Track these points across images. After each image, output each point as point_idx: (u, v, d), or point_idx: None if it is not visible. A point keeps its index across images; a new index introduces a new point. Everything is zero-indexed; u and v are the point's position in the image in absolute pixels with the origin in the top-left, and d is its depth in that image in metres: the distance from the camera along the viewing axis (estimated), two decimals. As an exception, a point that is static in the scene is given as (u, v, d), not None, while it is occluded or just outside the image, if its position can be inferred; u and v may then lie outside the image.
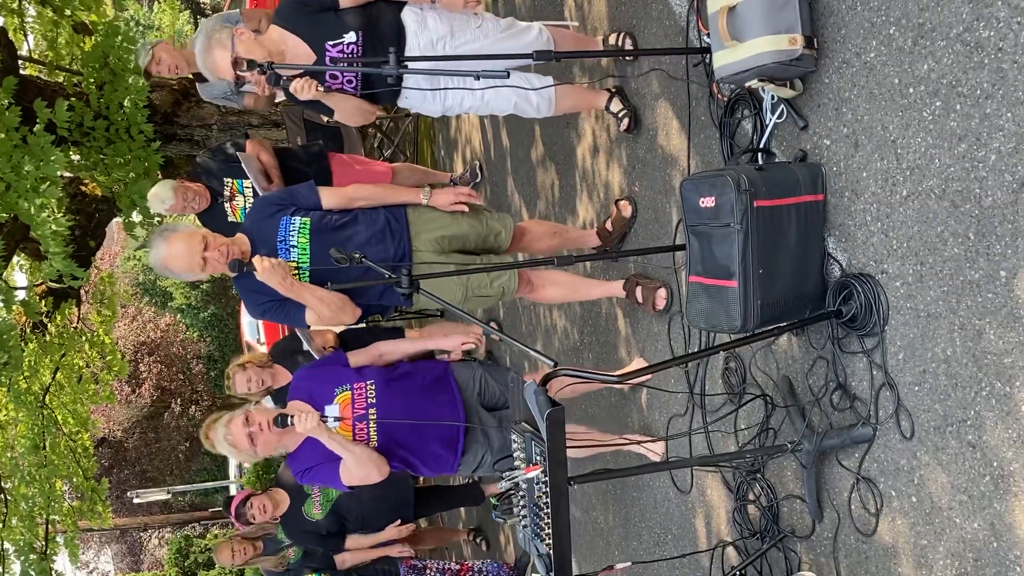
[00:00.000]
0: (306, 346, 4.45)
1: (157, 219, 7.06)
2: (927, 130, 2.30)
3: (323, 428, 3.28)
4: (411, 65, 3.00)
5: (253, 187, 4.53)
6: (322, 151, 5.12)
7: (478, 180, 6.09)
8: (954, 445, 2.30)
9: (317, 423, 3.24)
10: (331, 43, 3.28)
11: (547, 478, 2.43)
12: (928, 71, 2.28)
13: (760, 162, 2.88)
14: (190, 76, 5.81)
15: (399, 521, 5.27)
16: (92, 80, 6.32)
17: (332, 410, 3.46)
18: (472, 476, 5.52)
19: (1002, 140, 2.09)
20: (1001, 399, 2.15)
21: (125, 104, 6.33)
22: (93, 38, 6.74)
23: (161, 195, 4.53)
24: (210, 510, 20.74)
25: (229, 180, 4.64)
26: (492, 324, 5.92)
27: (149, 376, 20.12)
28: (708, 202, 2.61)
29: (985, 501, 2.21)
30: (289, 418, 3.25)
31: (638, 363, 4.02)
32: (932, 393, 2.37)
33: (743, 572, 3.08)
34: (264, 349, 7.75)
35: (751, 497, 3.20)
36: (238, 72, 3.26)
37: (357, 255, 2.96)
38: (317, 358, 4.18)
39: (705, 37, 3.07)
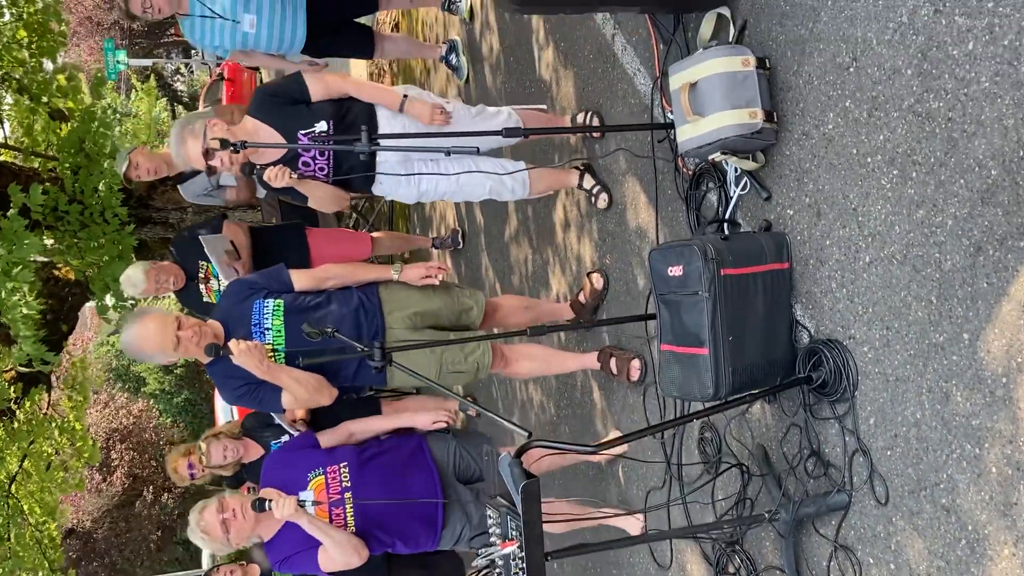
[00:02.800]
0: (276, 419, 4.39)
1: (130, 303, 7.03)
2: (886, 198, 2.37)
3: (302, 512, 3.22)
4: (383, 143, 3.06)
5: None
6: (300, 227, 5.16)
7: (460, 247, 6.13)
8: (929, 509, 2.30)
9: (295, 508, 3.19)
10: (303, 131, 3.35)
11: (523, 554, 2.40)
12: (884, 141, 2.36)
13: (726, 232, 2.93)
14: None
15: None
16: (67, 165, 6.36)
17: (307, 495, 3.41)
18: (457, 547, 5.41)
19: (957, 206, 2.15)
20: (972, 461, 2.16)
21: (100, 188, 6.36)
22: (69, 124, 6.81)
23: (133, 278, 4.53)
24: (181, 603, 20.08)
25: (203, 263, 4.65)
26: (468, 398, 5.89)
27: (121, 463, 19.70)
28: (676, 271, 2.64)
29: (963, 566, 2.20)
30: (267, 502, 3.20)
31: (614, 436, 4.00)
32: (904, 457, 2.37)
33: (725, 647, 3.02)
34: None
35: (731, 570, 3.16)
36: (209, 162, 3.32)
37: (329, 329, 2.97)
38: (287, 429, 4.13)
39: (669, 114, 3.16)
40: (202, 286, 4.66)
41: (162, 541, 20.30)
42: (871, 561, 2.51)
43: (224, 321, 3.39)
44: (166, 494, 20.00)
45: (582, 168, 3.96)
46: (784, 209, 2.77)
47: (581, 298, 4.06)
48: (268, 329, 3.34)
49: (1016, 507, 2.04)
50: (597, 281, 4.01)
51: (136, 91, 21.57)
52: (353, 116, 3.32)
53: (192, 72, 27.81)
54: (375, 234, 5.56)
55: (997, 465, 2.08)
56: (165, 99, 24.91)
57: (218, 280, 4.56)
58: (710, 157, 2.83)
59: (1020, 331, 2.00)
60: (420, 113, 3.36)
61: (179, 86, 28.46)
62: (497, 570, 2.64)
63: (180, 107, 26.61)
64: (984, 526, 2.13)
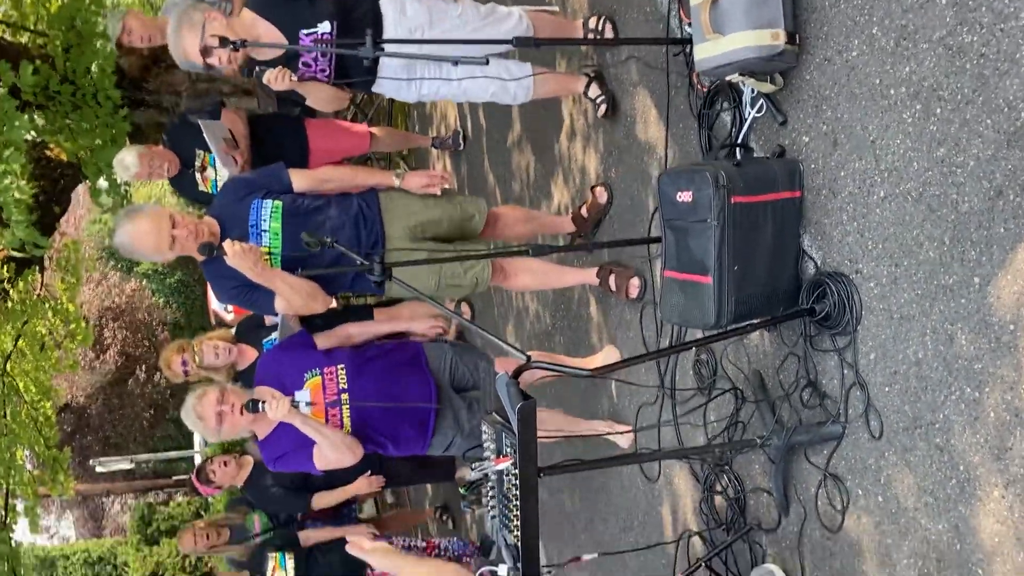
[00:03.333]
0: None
1: (124, 187, 6.93)
2: (906, 132, 2.30)
3: (296, 413, 3.24)
4: (388, 48, 2.94)
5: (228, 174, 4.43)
6: (299, 118, 5.03)
7: (460, 148, 6.02)
8: (922, 447, 2.32)
9: (289, 409, 3.20)
10: (305, 32, 3.22)
11: (517, 471, 2.42)
12: (910, 73, 2.27)
13: (738, 156, 2.86)
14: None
15: (369, 472, 5.20)
16: (58, 43, 6.14)
17: (303, 395, 3.42)
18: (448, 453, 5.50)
19: (981, 146, 2.09)
20: (970, 404, 2.16)
21: (92, 69, 6.18)
22: (60, 0, 6.56)
23: (126, 161, 4.41)
24: (174, 478, 20.64)
25: (201, 152, 4.53)
26: (464, 308, 5.89)
27: (114, 342, 19.87)
28: (685, 196, 2.59)
29: (950, 504, 2.24)
30: (260, 404, 3.21)
31: (609, 350, 4.02)
32: (902, 394, 2.38)
33: (708, 563, 3.10)
34: (231, 318, 7.63)
35: (718, 488, 3.22)
36: (207, 60, 3.19)
37: (329, 240, 2.92)
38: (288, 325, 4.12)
39: (686, 27, 3.04)
40: (198, 175, 4.55)
41: (155, 419, 20.69)
42: (860, 492, 2.55)
43: (220, 219, 3.34)
44: (158, 373, 20.22)
45: (591, 75, 3.84)
46: (799, 135, 2.69)
47: (583, 211, 4.00)
48: (265, 231, 3.30)
49: (1010, 452, 2.05)
50: (601, 195, 3.95)
51: (128, -38, 20.79)
52: (359, 15, 3.18)
53: (186, -57, 26.76)
54: (374, 129, 5.44)
55: (995, 410, 2.09)
56: (158, -28, 24.01)
57: (215, 169, 4.45)
58: (727, 77, 2.74)
59: (1033, 280, 1.97)
60: None
61: (172, -42, 27.43)
62: (490, 483, 2.68)
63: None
64: (976, 468, 2.15)
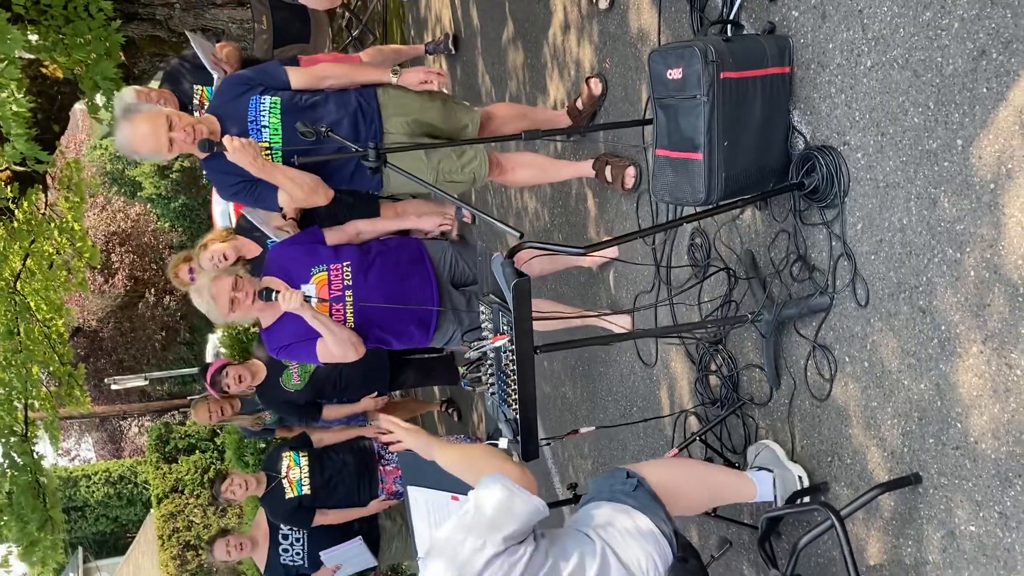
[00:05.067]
0: (259, 226, 4.42)
1: (121, 101, 6.90)
2: (894, -1, 2.30)
3: (307, 306, 3.32)
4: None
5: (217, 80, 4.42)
6: (293, 59, 4.98)
7: (453, 52, 5.98)
8: (906, 311, 2.39)
9: (302, 302, 3.28)
10: None
11: (514, 346, 2.50)
12: (897, -63, 2.26)
13: (728, 34, 2.86)
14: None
15: (375, 392, 5.39)
16: (47, -48, 6.07)
17: (309, 289, 3.50)
18: (445, 350, 5.62)
19: (966, 7, 2.09)
20: (952, 265, 2.22)
21: (83, -21, 6.11)
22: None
23: (124, 100, 4.41)
24: (188, 398, 21.00)
25: (198, 87, 4.54)
26: (465, 212, 5.92)
27: (122, 266, 20.03)
28: (675, 73, 2.60)
29: (932, 363, 2.31)
30: (274, 293, 3.29)
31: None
32: (888, 261, 2.44)
33: (703, 437, 3.21)
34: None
35: (713, 368, 3.31)
36: None
37: (324, 128, 2.95)
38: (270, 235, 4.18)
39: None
40: (196, 113, 4.57)
41: (167, 341, 20.99)
42: (847, 360, 2.63)
43: (219, 116, 3.36)
44: (168, 296, 20.46)
45: (584, -35, 3.80)
46: (789, 11, 2.69)
47: (578, 104, 4.01)
48: (265, 127, 3.32)
49: (988, 308, 2.12)
50: (595, 86, 3.94)
51: None
52: None
53: None
54: (363, 55, 5.37)
55: (976, 268, 2.14)
56: None
57: None
58: (717, -47, 2.72)
59: (1014, 136, 2.00)
60: None
61: None
62: (488, 362, 2.77)
63: None
64: (956, 326, 2.22)
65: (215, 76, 4.33)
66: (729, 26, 2.90)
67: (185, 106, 4.55)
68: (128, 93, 4.43)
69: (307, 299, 3.34)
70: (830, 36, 2.53)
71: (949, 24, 2.14)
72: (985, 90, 2.07)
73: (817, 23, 2.58)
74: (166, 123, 3.19)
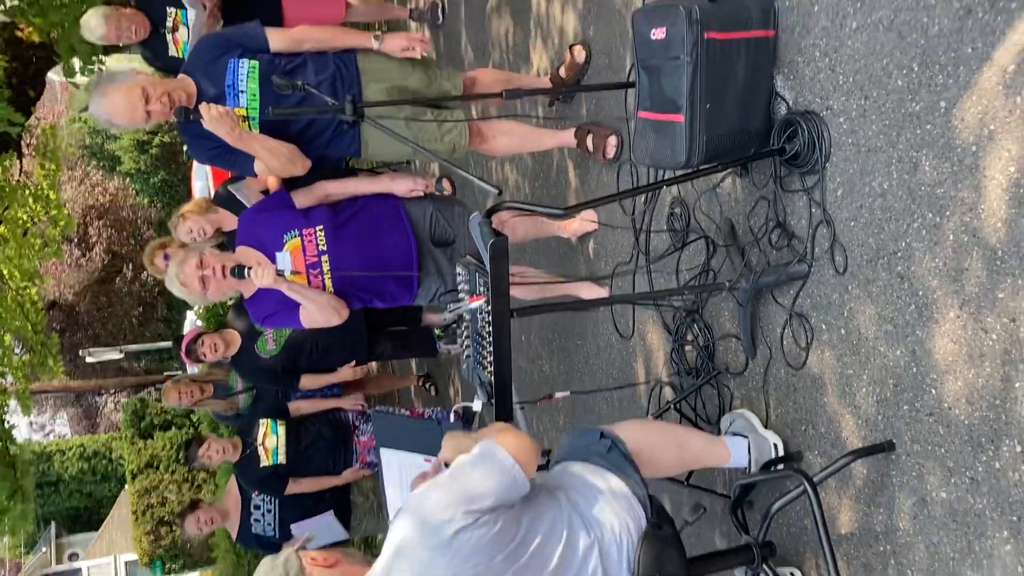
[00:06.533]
0: (238, 195, 4.37)
1: (98, 65, 6.80)
2: (880, -41, 2.27)
3: (281, 280, 3.27)
4: None
5: (196, 17, 4.32)
6: None
7: (439, 22, 5.90)
8: (884, 277, 2.37)
9: (275, 277, 3.23)
10: None
11: (489, 308, 2.47)
12: None
13: (714, -3, 2.82)
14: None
15: (354, 362, 5.34)
16: (23, -89, 5.95)
17: (284, 256, 3.44)
18: (425, 320, 5.57)
19: (953, -34, 2.07)
20: (931, 229, 2.20)
21: (59, -62, 6.00)
22: None
23: (91, 23, 4.30)
24: (165, 373, 20.87)
25: (172, 9, 4.40)
26: (445, 183, 5.86)
27: (99, 240, 19.83)
28: (659, 34, 2.57)
29: (908, 329, 2.30)
30: (246, 270, 3.24)
31: (588, 215, 4.04)
32: (867, 227, 2.42)
33: (677, 407, 3.20)
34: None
35: (689, 338, 3.29)
36: None
37: (299, 82, 2.89)
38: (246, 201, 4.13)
39: None
40: (169, 36, 4.44)
41: (144, 317, 20.82)
42: (823, 327, 2.62)
43: (195, 77, 3.29)
44: (145, 272, 20.27)
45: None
46: (775, -27, 2.66)
47: (562, 72, 3.96)
48: (243, 92, 3.26)
49: (966, 272, 2.10)
50: (579, 54, 3.90)
51: None
52: None
53: None
54: None
55: (955, 232, 2.13)
56: None
57: (187, 28, 4.35)
58: (704, -87, 2.68)
59: (997, 97, 1.98)
60: None
61: None
62: (464, 323, 2.74)
63: None
64: (934, 291, 2.21)
65: (192, 14, 4.22)
66: (714, -11, 2.86)
67: (157, 28, 4.41)
68: (96, 13, 4.30)
69: (280, 273, 3.29)
70: (815, -1, 2.50)
71: (935, -16, 2.12)
72: (970, 50, 2.04)
73: (803, -14, 2.55)
74: (142, 94, 3.13)
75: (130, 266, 20.27)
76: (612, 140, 3.70)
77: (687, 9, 2.49)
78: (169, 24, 4.36)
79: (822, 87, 2.52)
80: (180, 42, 4.38)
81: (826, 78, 2.50)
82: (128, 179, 22.70)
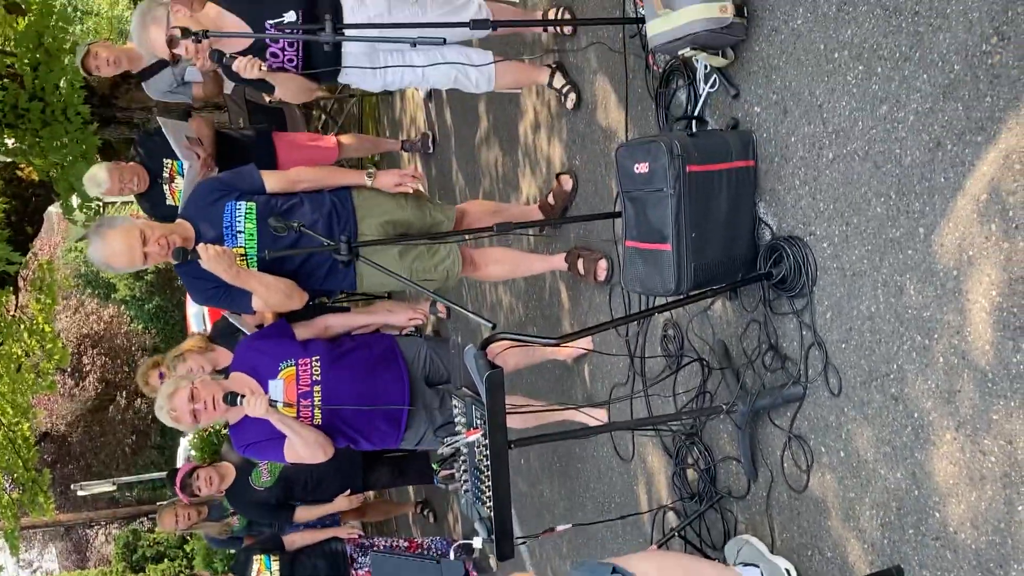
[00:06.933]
0: (237, 324, 4.42)
1: (96, 203, 6.93)
2: (851, 94, 2.37)
3: (273, 411, 3.28)
4: (348, 33, 3.00)
5: (190, 167, 4.47)
6: (268, 131, 5.07)
7: (430, 151, 6.08)
8: (879, 399, 2.38)
9: (267, 408, 3.24)
10: (270, 21, 3.27)
11: (487, 441, 2.46)
12: (851, 36, 2.35)
13: (693, 130, 2.93)
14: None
15: (348, 491, 5.28)
16: (26, 61, 6.18)
17: (276, 385, 3.46)
18: (420, 447, 5.53)
19: (920, 101, 2.16)
20: (921, 352, 2.23)
21: (61, 85, 6.21)
22: (27, 18, 6.59)
23: (96, 177, 4.45)
24: (158, 503, 20.43)
25: (168, 161, 4.57)
26: (439, 304, 5.93)
27: (93, 369, 19.72)
28: (642, 168, 2.65)
29: (907, 451, 2.30)
30: (239, 397, 3.25)
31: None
32: (858, 349, 2.44)
33: (682, 533, 3.15)
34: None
35: (690, 461, 3.27)
36: (173, 51, 3.24)
37: (296, 223, 2.96)
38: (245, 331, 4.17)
39: (640, 8, 3.12)
40: (166, 187, 4.60)
41: (137, 445, 20.52)
42: (823, 450, 2.61)
43: (194, 221, 3.38)
44: (139, 399, 20.08)
45: (553, 67, 3.92)
46: (752, 106, 2.77)
47: (550, 199, 4.07)
48: (240, 232, 3.34)
49: (959, 394, 2.12)
50: (566, 182, 4.01)
51: (97, -12, 20.78)
52: (322, 6, 3.25)
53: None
54: (343, 137, 5.48)
55: (944, 355, 2.15)
56: (127, -3, 24.01)
57: (183, 177, 4.49)
58: (680, 53, 2.81)
59: (972, 224, 2.04)
60: None
61: (142, -16, 27.42)
62: (462, 457, 2.72)
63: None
64: (929, 413, 2.21)
65: (187, 165, 4.36)
66: (694, 122, 2.97)
67: (155, 179, 4.55)
68: (100, 169, 4.44)
69: (273, 404, 3.30)
70: (792, 130, 2.60)
71: (905, 117, 2.21)
72: (943, 180, 2.12)
73: (779, 117, 2.65)
74: (140, 237, 3.20)
75: (123, 394, 20.10)
76: (602, 264, 3.77)
77: (668, 145, 2.58)
78: (166, 175, 4.52)
79: (804, 213, 2.60)
80: (176, 192, 4.52)
81: (807, 205, 2.58)
82: (123, 306, 22.76)
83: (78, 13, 19.91)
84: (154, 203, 4.62)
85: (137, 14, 3.26)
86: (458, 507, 6.26)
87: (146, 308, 22.70)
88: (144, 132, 4.87)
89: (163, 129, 4.34)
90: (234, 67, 3.17)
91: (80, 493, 16.24)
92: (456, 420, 2.75)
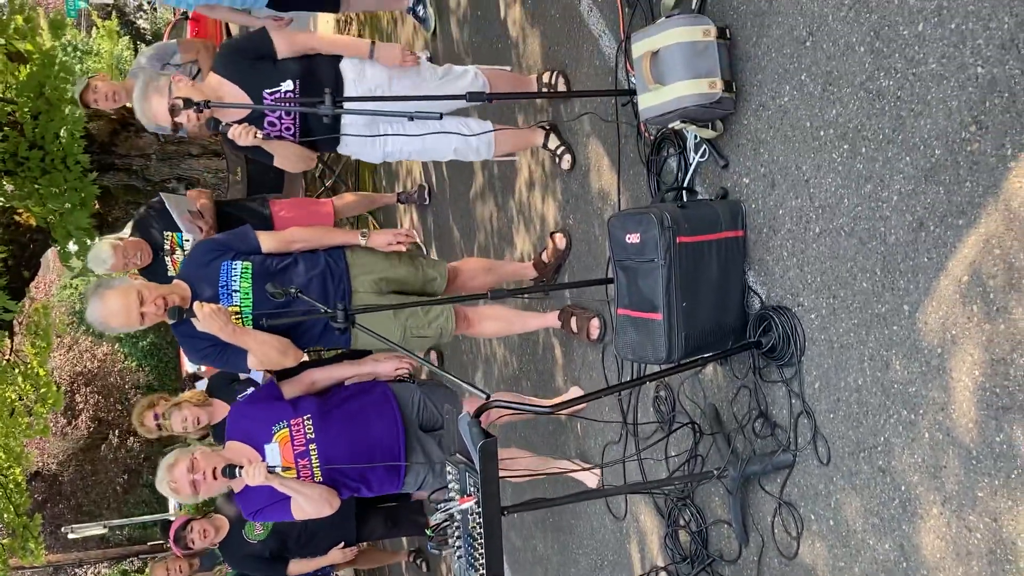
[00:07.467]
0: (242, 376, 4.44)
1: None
2: (836, 171, 2.44)
3: (273, 476, 3.31)
4: (347, 105, 3.07)
5: (192, 240, 4.55)
6: (264, 202, 5.10)
7: (426, 203, 6.14)
8: (866, 470, 2.42)
9: (266, 475, 3.27)
10: (268, 91, 3.35)
11: (480, 509, 2.49)
12: (836, 115, 2.42)
13: (684, 199, 3.00)
14: (128, 106, 5.80)
15: (343, 544, 5.27)
16: (27, 110, 6.25)
17: (272, 449, 3.48)
18: (415, 495, 5.53)
19: (903, 182, 2.22)
20: (907, 426, 2.27)
21: (61, 134, 6.28)
22: (28, 67, 6.68)
23: (102, 255, 4.51)
24: (149, 543, 20.24)
25: (168, 233, 4.66)
26: (432, 355, 5.96)
27: (86, 407, 19.64)
28: (633, 238, 2.71)
29: (894, 523, 2.33)
30: (237, 469, 3.28)
31: (574, 391, 4.11)
32: (846, 420, 2.48)
33: (674, 596, 3.16)
34: (205, 381, 7.65)
35: (682, 522, 3.29)
36: (175, 120, 3.30)
37: (293, 289, 3.01)
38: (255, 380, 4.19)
39: (632, 78, 3.19)
40: (167, 259, 4.67)
41: (129, 484, 20.36)
42: (812, 517, 2.64)
43: (190, 281, 3.42)
44: (132, 438, 19.98)
45: (547, 128, 3.99)
46: (740, 177, 2.83)
47: (544, 257, 4.12)
48: (236, 291, 3.38)
49: (945, 470, 2.15)
50: (560, 241, 4.07)
51: (97, 29, 21.02)
52: (320, 76, 3.32)
53: (156, 10, 27.10)
54: (338, 200, 5.51)
55: (929, 431, 2.19)
56: (128, 37, 24.29)
57: (183, 250, 4.57)
58: (670, 125, 2.88)
59: (955, 305, 2.09)
60: (390, 56, 3.37)
61: (142, 23, 27.75)
62: (455, 524, 2.74)
63: (143, 46, 25.95)
64: (915, 487, 2.25)
65: (190, 237, 4.43)
66: (684, 191, 3.04)
67: (157, 252, 4.62)
68: (105, 246, 4.51)
69: (271, 470, 3.33)
70: (779, 203, 2.66)
71: (888, 197, 2.27)
72: (926, 259, 2.17)
73: (767, 190, 2.71)
74: (137, 298, 3.23)
75: (116, 432, 20.00)
76: (595, 323, 3.81)
77: (659, 216, 2.64)
78: (167, 247, 4.60)
79: (792, 284, 2.65)
80: (177, 263, 4.58)
81: (795, 276, 2.63)
82: (117, 344, 22.70)
83: (78, 53, 20.12)
84: (155, 274, 4.68)
85: (139, 85, 3.33)
86: (451, 557, 6.24)
87: (140, 346, 22.64)
88: (146, 207, 4.92)
89: (166, 204, 4.42)
90: (229, 135, 3.23)
91: (71, 536, 16.07)
92: (450, 486, 2.77)
